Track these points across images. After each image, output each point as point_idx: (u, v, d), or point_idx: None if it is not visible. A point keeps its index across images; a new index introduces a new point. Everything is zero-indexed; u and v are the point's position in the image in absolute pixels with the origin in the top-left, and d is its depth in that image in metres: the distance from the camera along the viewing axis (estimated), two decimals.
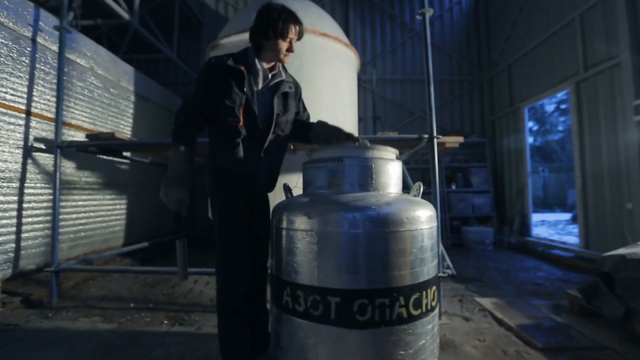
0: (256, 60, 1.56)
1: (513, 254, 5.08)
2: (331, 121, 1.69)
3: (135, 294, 3.07)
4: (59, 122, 2.74)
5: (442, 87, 6.59)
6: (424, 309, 1.32)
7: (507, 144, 5.94)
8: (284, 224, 1.40)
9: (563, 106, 19.04)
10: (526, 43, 5.33)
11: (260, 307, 1.70)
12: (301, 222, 1.32)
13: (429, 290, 1.36)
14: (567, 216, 9.86)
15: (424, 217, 1.36)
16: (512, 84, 5.85)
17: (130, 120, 4.34)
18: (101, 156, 3.65)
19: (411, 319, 1.28)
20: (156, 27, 5.68)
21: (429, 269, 1.37)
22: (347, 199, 1.34)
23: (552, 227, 8.06)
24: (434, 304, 1.40)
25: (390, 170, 1.48)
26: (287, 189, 1.63)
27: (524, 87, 5.47)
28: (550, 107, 19.01)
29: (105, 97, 3.83)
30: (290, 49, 1.56)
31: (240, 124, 1.50)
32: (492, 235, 5.43)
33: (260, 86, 1.57)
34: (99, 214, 3.75)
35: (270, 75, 1.60)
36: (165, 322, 2.43)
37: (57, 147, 2.72)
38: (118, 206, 4.11)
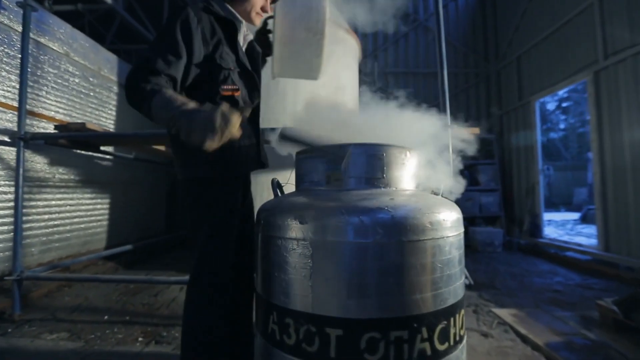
0: (234, 11, 1.24)
1: (524, 256, 4.77)
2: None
3: (112, 304, 2.76)
4: (22, 111, 2.42)
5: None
6: (451, 342, 1.01)
7: (516, 140, 5.63)
8: (270, 230, 1.08)
9: (565, 104, 18.80)
10: (538, 32, 5.02)
11: (248, 336, 1.39)
12: (291, 229, 1.01)
13: (457, 317, 1.05)
14: (574, 216, 9.57)
15: (450, 221, 1.05)
16: (521, 76, 5.54)
17: (113, 113, 4.02)
18: (79, 151, 3.32)
19: (436, 356, 0.97)
20: (145, 16, 5.35)
21: (456, 289, 1.06)
22: (352, 197, 1.03)
23: (560, 227, 7.77)
24: (462, 332, 1.09)
25: (406, 161, 1.17)
26: (276, 185, 1.31)
27: (535, 79, 5.16)
28: (551, 106, 18.76)
29: (84, 87, 3.50)
30: (264, 8, 1.29)
31: (238, 92, 1.18)
32: (501, 236, 5.12)
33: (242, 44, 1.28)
34: (76, 215, 3.43)
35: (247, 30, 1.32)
36: (140, 339, 2.12)
37: (20, 139, 2.40)
38: (99, 206, 3.79)
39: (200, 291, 1.19)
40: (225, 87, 1.15)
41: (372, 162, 1.11)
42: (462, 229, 1.13)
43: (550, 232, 6.28)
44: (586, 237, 6.03)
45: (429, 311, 0.96)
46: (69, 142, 2.66)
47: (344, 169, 1.11)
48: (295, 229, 1.00)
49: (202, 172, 1.17)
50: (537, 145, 5.14)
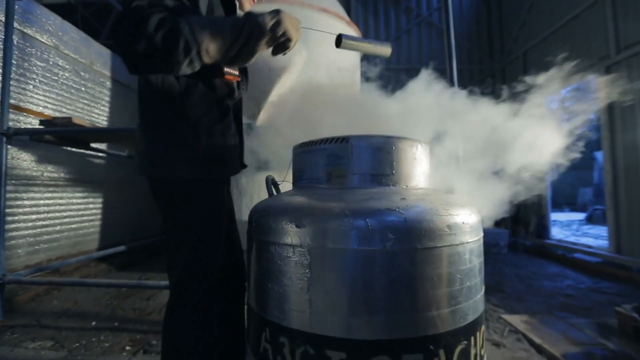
0: None
1: (530, 258, 4.63)
2: None
3: (101, 308, 2.62)
4: (5, 105, 2.29)
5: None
6: None
7: None
8: (263, 235, 0.95)
9: (567, 103, 18.63)
10: (545, 27, 4.87)
11: (240, 347, 1.27)
12: (286, 233, 0.87)
13: (477, 335, 0.91)
14: (579, 216, 9.42)
15: (469, 225, 0.91)
16: (527, 72, 5.38)
17: (107, 109, 3.88)
18: (69, 148, 3.19)
19: None
20: None
21: (476, 303, 0.92)
22: (356, 197, 0.89)
23: (565, 227, 7.62)
24: (482, 352, 0.95)
25: (418, 156, 1.03)
26: (271, 182, 1.17)
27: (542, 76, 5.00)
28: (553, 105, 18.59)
29: (75, 82, 3.36)
30: None
31: (239, 79, 1.00)
32: (507, 237, 4.98)
33: None
34: (67, 214, 3.30)
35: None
36: (128, 347, 1.99)
37: (3, 134, 2.26)
38: (92, 205, 3.65)
39: (191, 298, 1.05)
40: (227, 70, 0.91)
41: (379, 156, 0.97)
42: (482, 233, 1.00)
43: (555, 232, 6.13)
44: (593, 238, 5.89)
45: (446, 330, 0.82)
46: (56, 138, 2.53)
47: (348, 164, 0.97)
48: (290, 234, 0.86)
49: (191, 172, 1.01)
50: None
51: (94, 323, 2.35)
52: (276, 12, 0.82)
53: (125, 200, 4.16)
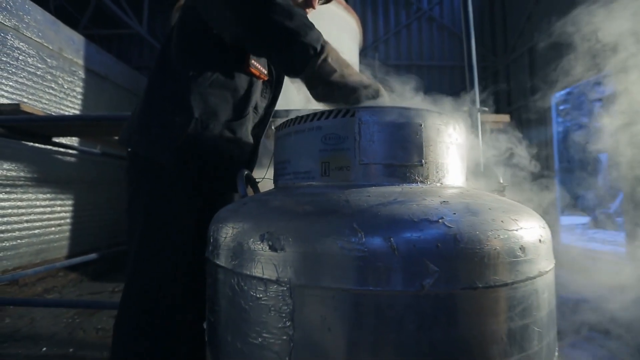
0: None
1: None
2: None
3: (60, 328, 2.25)
4: None
5: (452, 75, 5.85)
6: None
7: (528, 138, 5.21)
8: (220, 258, 0.61)
9: (561, 107, 18.64)
10: (554, 19, 4.60)
11: None
12: (255, 259, 0.53)
13: None
14: (581, 220, 9.17)
15: (546, 244, 0.58)
16: (534, 69, 5.12)
17: (79, 102, 3.51)
18: (30, 144, 2.82)
19: None
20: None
21: None
22: (369, 199, 0.55)
23: (568, 231, 7.35)
24: None
25: (456, 138, 0.69)
26: (244, 179, 0.83)
27: (550, 72, 4.74)
28: None
29: (39, 69, 2.99)
30: (309, 2, 0.97)
31: (265, 77, 0.97)
32: None
33: None
34: (28, 218, 2.92)
35: None
36: None
37: None
38: (59, 208, 3.27)
39: (130, 311, 0.87)
40: (254, 62, 0.90)
41: (402, 137, 0.63)
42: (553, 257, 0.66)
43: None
44: (600, 243, 5.61)
45: None
46: (5, 129, 2.15)
47: (354, 149, 0.63)
48: (262, 261, 0.52)
49: (164, 156, 0.85)
50: (552, 143, 4.72)
51: (44, 349, 1.98)
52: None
53: (99, 203, 3.77)
